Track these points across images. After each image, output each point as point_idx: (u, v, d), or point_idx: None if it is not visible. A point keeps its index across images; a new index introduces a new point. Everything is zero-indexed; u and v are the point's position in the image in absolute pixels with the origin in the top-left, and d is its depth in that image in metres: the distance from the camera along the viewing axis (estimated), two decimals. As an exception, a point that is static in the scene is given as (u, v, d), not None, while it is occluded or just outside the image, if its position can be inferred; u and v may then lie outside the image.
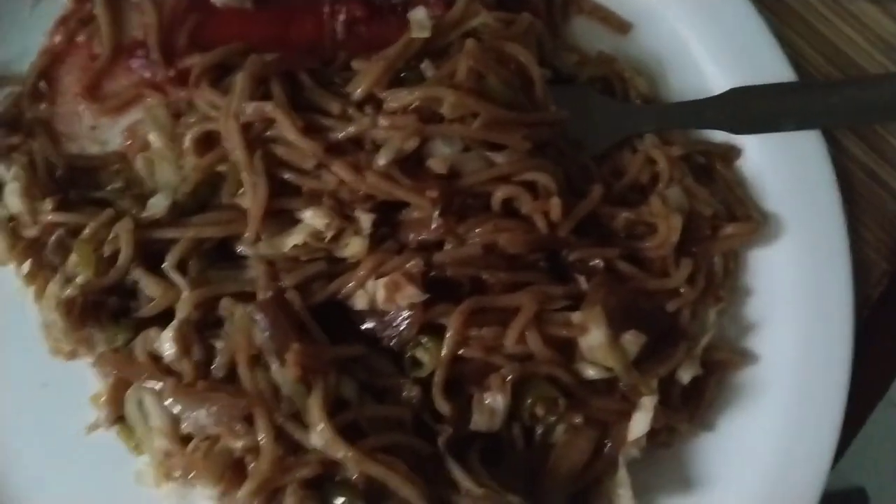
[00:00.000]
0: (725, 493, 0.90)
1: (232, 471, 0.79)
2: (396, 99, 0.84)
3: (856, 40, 1.02)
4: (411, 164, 0.84)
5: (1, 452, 0.87)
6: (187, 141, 0.87)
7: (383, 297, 0.82)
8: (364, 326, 0.84)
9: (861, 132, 1.00)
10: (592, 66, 0.96)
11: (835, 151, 0.97)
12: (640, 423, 0.84)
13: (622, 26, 0.98)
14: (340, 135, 0.84)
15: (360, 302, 0.84)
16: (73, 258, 0.84)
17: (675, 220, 0.87)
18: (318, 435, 0.76)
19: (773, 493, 0.89)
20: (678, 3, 0.97)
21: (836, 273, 0.92)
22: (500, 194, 0.85)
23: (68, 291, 0.82)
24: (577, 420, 0.84)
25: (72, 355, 0.87)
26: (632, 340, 0.84)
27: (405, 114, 0.83)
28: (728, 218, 0.92)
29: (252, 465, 0.78)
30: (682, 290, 0.89)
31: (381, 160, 0.83)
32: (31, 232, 0.86)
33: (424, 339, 0.83)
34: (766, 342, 0.92)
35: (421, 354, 0.83)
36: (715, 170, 0.95)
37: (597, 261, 0.87)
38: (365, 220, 0.84)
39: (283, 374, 0.78)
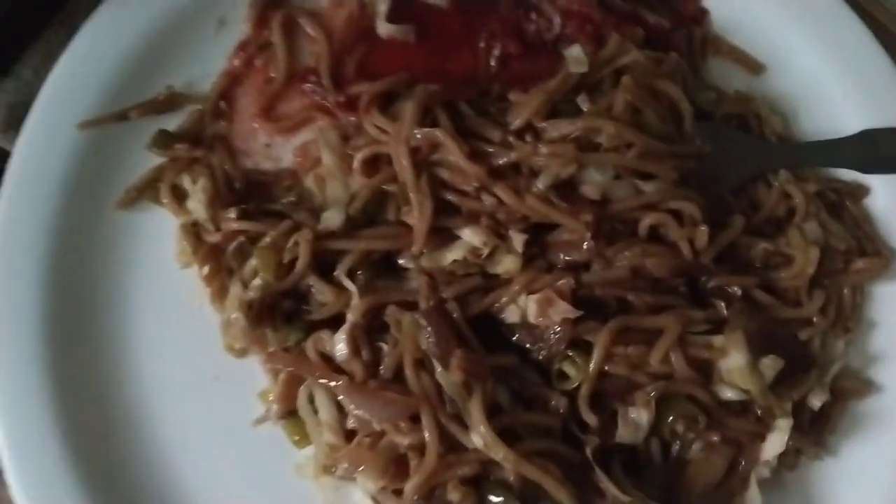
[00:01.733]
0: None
1: (395, 466, 0.85)
2: (557, 129, 0.90)
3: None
4: (565, 190, 0.91)
5: (173, 438, 0.93)
6: (357, 161, 0.94)
7: (535, 312, 0.88)
8: (515, 339, 0.90)
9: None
10: (729, 103, 1.02)
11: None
12: (774, 444, 0.89)
13: (756, 67, 1.04)
14: (502, 160, 0.90)
15: (511, 316, 0.90)
16: (251, 263, 0.92)
17: (812, 252, 0.93)
18: (479, 435, 0.82)
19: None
20: (811, 46, 1.03)
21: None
22: (648, 221, 0.91)
23: (251, 293, 0.90)
24: (715, 438, 0.89)
25: (243, 353, 0.94)
26: (770, 365, 0.89)
27: (564, 143, 0.90)
28: (858, 253, 0.97)
29: (415, 461, 0.84)
30: (814, 320, 0.94)
31: (541, 184, 0.89)
32: (213, 238, 0.94)
33: (572, 354, 0.88)
34: (890, 373, 0.96)
35: (568, 368, 0.89)
36: (844, 206, 1.00)
37: (735, 288, 0.92)
38: (518, 239, 0.91)
39: (447, 377, 0.84)
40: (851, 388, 0.95)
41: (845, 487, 0.94)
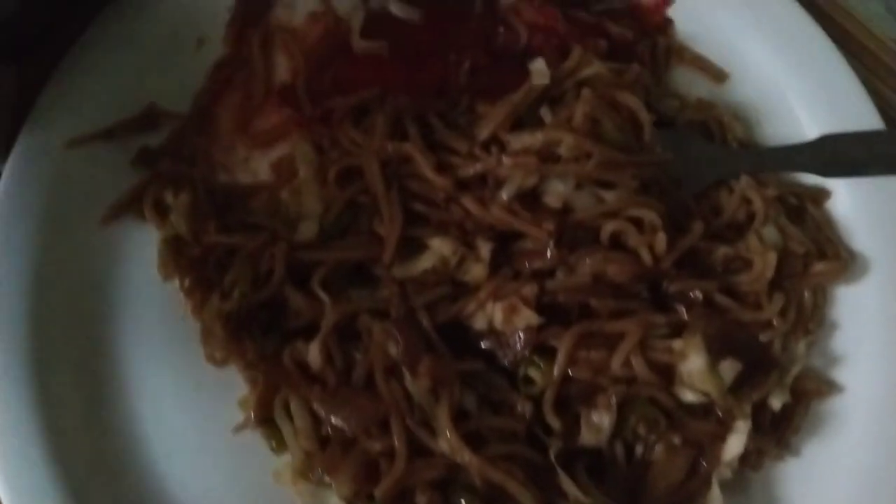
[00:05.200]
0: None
1: (367, 471, 0.88)
2: (519, 141, 0.94)
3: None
4: (529, 199, 0.94)
5: (157, 446, 0.95)
6: (331, 174, 0.98)
7: (500, 319, 0.92)
8: (482, 345, 0.94)
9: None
10: (692, 110, 1.04)
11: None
12: (734, 446, 0.92)
13: (719, 75, 1.07)
14: (468, 172, 0.94)
15: (479, 323, 0.93)
16: (231, 275, 0.95)
17: (770, 256, 0.95)
18: (445, 441, 0.86)
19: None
20: (773, 54, 1.05)
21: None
22: (608, 228, 0.94)
23: (229, 305, 0.94)
24: (676, 440, 0.92)
25: (223, 362, 0.97)
26: (728, 368, 0.91)
27: (527, 154, 0.93)
28: (818, 255, 1.00)
29: (385, 466, 0.87)
30: (774, 322, 0.97)
31: (505, 195, 0.93)
32: (193, 251, 0.98)
33: (537, 359, 0.92)
34: (851, 374, 0.99)
35: (533, 373, 0.92)
36: (806, 210, 1.02)
37: (696, 292, 0.95)
38: (485, 248, 0.94)
39: (416, 384, 0.87)
40: (813, 388, 0.98)
41: (809, 487, 0.96)
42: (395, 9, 1.05)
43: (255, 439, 0.96)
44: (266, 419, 0.94)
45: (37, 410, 0.93)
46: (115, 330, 0.98)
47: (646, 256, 0.93)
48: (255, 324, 0.95)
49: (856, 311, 1.00)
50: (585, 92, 0.95)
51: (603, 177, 0.94)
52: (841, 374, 0.99)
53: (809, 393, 0.98)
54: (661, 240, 0.93)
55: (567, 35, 1.01)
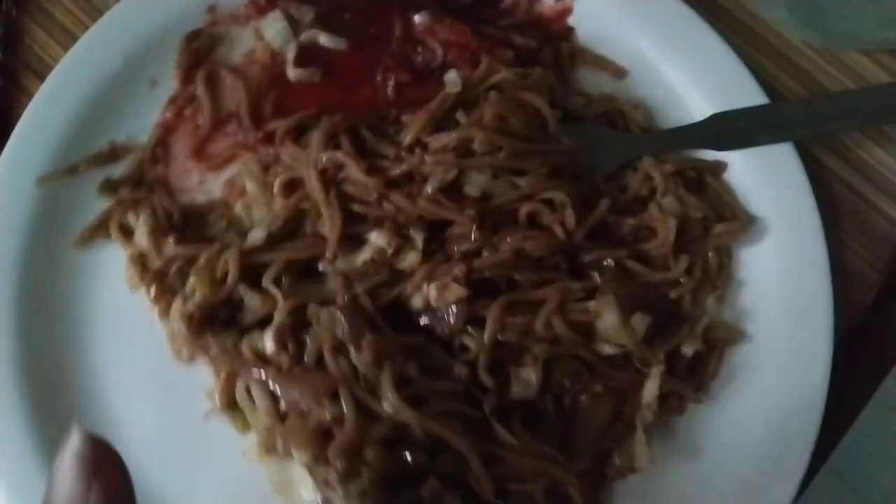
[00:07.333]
0: (725, 458, 1.05)
1: (321, 438, 0.97)
2: (438, 141, 1.06)
3: (827, 69, 1.22)
4: (452, 192, 1.06)
5: (134, 443, 1.05)
6: (276, 187, 1.10)
7: (435, 297, 1.02)
8: (421, 322, 1.04)
9: (844, 154, 1.19)
10: (596, 105, 1.16)
11: (819, 170, 1.17)
12: (650, 389, 1.02)
13: (619, 72, 1.19)
14: (396, 172, 1.06)
15: (416, 302, 1.04)
16: (191, 281, 1.06)
17: (670, 222, 1.06)
18: (389, 403, 0.96)
19: (763, 459, 1.04)
20: (665, 51, 1.17)
21: (815, 265, 1.09)
22: (524, 210, 1.05)
23: (189, 307, 1.04)
24: (598, 389, 1.02)
25: (190, 359, 1.08)
26: (639, 320, 1.02)
27: (445, 152, 1.05)
28: (718, 219, 1.11)
29: (338, 431, 0.97)
30: (681, 280, 1.08)
31: (429, 188, 1.04)
32: (156, 264, 1.09)
33: (470, 329, 1.02)
34: (757, 325, 1.09)
35: (467, 341, 1.02)
36: (705, 182, 1.14)
37: (608, 261, 1.06)
38: (417, 237, 1.05)
39: (361, 358, 0.97)
40: (723, 337, 1.08)
41: (726, 428, 1.06)
42: (324, 40, 1.17)
43: (227, 427, 1.06)
44: (231, 404, 1.04)
45: (23, 407, 1.05)
46: (93, 340, 1.10)
47: (559, 231, 1.04)
48: (215, 322, 1.06)
49: (757, 268, 1.11)
50: (493, 94, 1.07)
51: (514, 166, 1.05)
52: (748, 326, 1.09)
53: (721, 342, 1.08)
54: (569, 216, 1.04)
55: (477, 49, 1.14)
